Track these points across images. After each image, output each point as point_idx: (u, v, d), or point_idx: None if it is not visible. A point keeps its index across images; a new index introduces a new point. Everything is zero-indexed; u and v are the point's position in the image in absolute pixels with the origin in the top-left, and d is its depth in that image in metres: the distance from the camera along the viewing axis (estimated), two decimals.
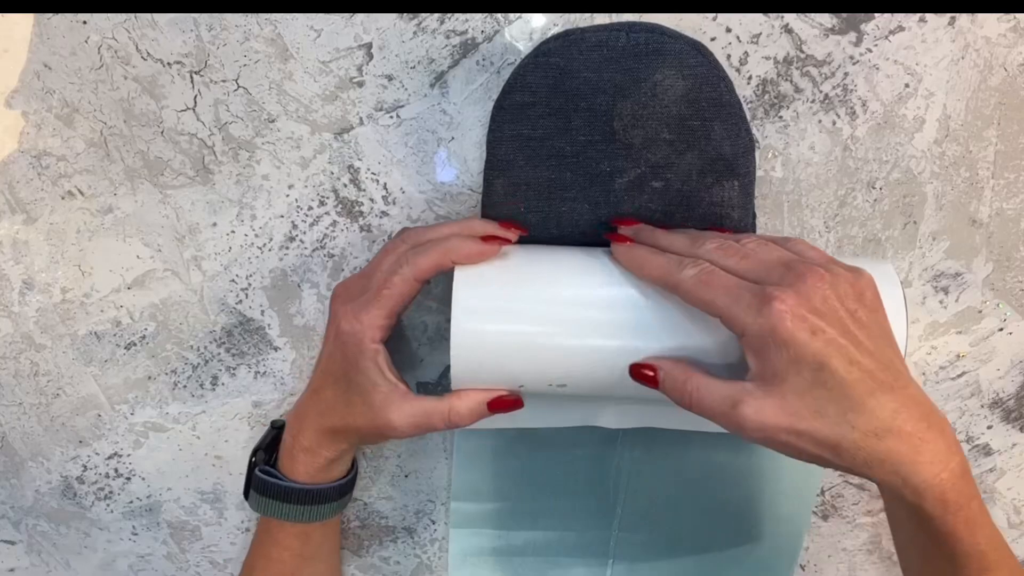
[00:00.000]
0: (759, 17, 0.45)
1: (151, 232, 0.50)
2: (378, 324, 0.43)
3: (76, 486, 0.57)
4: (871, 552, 0.59)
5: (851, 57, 0.45)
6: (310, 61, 0.46)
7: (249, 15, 0.45)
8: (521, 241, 0.44)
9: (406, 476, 0.56)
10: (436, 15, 0.45)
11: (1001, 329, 0.51)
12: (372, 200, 0.49)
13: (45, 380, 0.54)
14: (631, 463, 0.55)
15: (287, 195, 0.49)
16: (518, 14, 0.45)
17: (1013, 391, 0.52)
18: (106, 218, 0.50)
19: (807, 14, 0.45)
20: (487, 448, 0.54)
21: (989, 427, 0.53)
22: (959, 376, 0.52)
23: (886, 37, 0.45)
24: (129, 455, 0.56)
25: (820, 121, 0.47)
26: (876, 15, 0.45)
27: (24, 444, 0.56)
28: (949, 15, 0.45)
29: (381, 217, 0.49)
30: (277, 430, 0.50)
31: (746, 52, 0.45)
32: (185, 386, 0.54)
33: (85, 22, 0.45)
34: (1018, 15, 0.45)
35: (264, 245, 0.50)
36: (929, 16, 0.45)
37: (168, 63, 0.46)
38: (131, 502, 0.58)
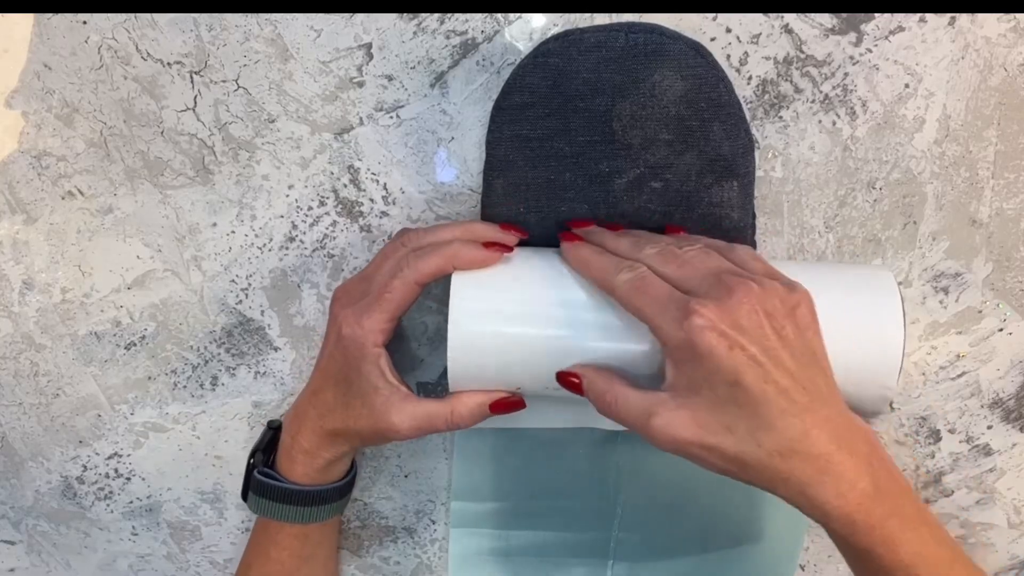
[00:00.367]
0: (759, 17, 0.45)
1: (151, 232, 0.50)
2: (380, 328, 0.43)
3: (76, 486, 0.57)
4: None
5: (851, 57, 0.45)
6: (310, 61, 0.46)
7: (249, 15, 0.45)
8: (520, 242, 0.44)
9: (406, 476, 0.56)
10: (436, 15, 0.45)
11: (1001, 329, 0.51)
12: (372, 200, 0.49)
13: (45, 380, 0.54)
14: (631, 463, 0.55)
15: (287, 195, 0.49)
16: (518, 14, 0.45)
17: (1013, 391, 0.52)
18: (106, 218, 0.50)
19: (807, 14, 0.45)
20: (487, 448, 0.54)
21: (989, 427, 0.53)
22: (959, 376, 0.52)
23: (886, 37, 0.45)
24: (129, 455, 0.56)
25: (820, 121, 0.47)
26: (876, 15, 0.45)
27: (24, 444, 0.56)
28: (949, 15, 0.45)
29: (381, 217, 0.49)
30: (274, 431, 0.50)
31: (746, 52, 0.45)
32: (185, 386, 0.54)
33: (85, 22, 0.45)
34: (1018, 15, 0.45)
35: (264, 245, 0.50)
36: (929, 16, 0.45)
37: (168, 63, 0.46)
38: (131, 502, 0.58)
